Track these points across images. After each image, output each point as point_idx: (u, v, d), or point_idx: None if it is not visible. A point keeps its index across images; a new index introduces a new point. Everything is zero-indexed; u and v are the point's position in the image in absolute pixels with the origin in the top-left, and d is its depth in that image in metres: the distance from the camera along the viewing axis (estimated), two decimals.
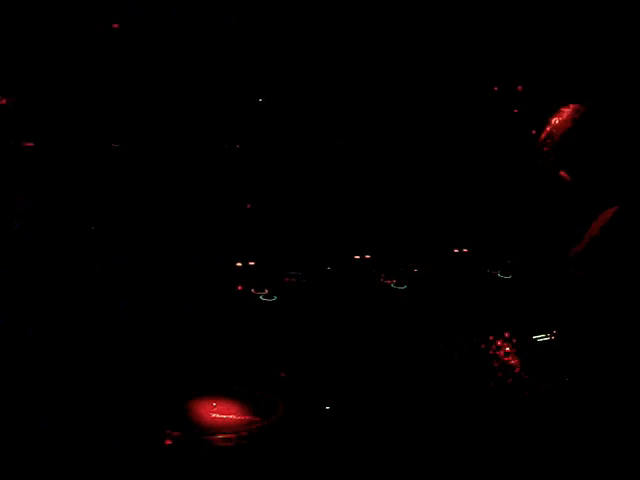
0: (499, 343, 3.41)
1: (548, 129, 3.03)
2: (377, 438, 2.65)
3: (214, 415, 2.68)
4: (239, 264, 3.67)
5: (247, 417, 2.68)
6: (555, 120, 3.01)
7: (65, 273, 3.41)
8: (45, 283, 3.32)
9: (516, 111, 4.66)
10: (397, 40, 4.38)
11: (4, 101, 3.37)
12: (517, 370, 3.19)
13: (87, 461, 2.39)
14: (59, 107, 3.65)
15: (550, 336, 3.50)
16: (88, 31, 3.66)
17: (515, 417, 2.89)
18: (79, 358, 2.98)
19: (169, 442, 2.48)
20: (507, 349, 3.35)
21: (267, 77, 4.16)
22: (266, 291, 3.48)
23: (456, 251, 4.25)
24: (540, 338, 3.51)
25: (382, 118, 4.39)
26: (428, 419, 2.79)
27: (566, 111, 3.00)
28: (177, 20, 3.84)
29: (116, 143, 3.80)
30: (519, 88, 4.64)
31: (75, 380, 2.85)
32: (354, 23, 4.26)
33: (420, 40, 4.43)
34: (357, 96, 4.33)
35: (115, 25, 3.80)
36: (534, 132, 4.63)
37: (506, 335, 3.47)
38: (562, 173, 2.97)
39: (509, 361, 3.27)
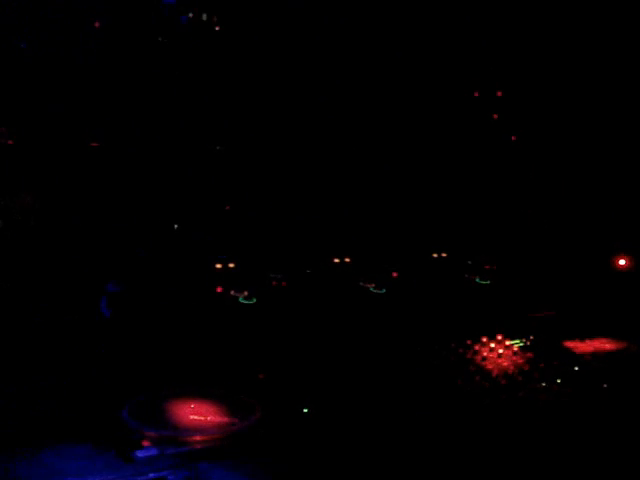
0: (477, 347, 3.44)
1: None
2: (356, 440, 2.66)
3: (192, 416, 2.68)
4: (219, 266, 3.67)
5: (225, 419, 2.68)
6: None
7: (46, 272, 3.41)
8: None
9: (495, 116, 4.69)
10: (373, 44, 4.40)
11: None
12: (494, 375, 3.22)
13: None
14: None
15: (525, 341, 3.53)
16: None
17: (493, 421, 2.91)
18: (57, 354, 2.98)
19: (147, 443, 2.48)
20: (484, 354, 3.38)
21: (247, 78, 4.17)
22: (246, 293, 3.48)
23: (435, 256, 4.27)
24: (517, 343, 3.54)
25: (361, 122, 4.41)
26: (408, 422, 2.80)
27: None
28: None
29: (96, 142, 3.80)
30: (499, 94, 4.67)
31: (53, 375, 2.85)
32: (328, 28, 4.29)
33: (399, 45, 4.45)
34: (336, 100, 4.35)
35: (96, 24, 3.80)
36: (514, 138, 4.67)
37: (483, 339, 3.50)
38: None
39: (486, 365, 3.30)
